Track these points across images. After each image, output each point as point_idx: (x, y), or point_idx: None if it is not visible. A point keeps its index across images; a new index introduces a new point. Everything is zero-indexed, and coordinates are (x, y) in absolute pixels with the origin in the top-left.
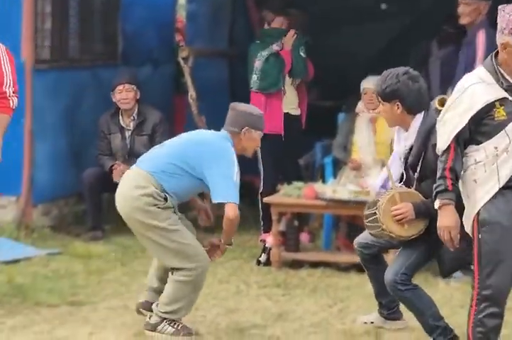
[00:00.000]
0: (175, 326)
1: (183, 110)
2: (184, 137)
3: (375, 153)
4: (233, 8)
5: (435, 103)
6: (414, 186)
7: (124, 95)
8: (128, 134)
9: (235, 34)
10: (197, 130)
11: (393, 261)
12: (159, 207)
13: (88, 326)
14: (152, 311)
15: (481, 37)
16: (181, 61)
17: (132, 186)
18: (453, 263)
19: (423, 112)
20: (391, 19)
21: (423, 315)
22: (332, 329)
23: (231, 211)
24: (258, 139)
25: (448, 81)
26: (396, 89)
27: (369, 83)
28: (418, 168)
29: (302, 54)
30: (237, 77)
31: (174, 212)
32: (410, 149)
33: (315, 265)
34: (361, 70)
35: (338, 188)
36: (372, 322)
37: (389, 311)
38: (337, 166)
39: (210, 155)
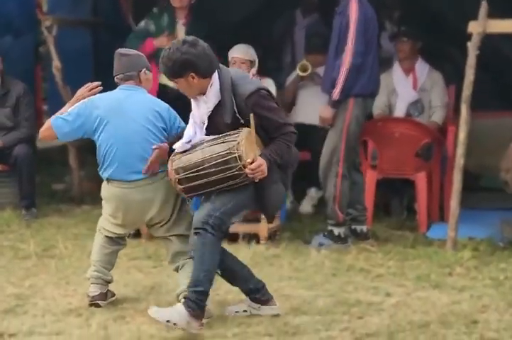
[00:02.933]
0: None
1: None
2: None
3: None
4: None
5: (297, 69)
6: None
7: None
8: None
9: (99, 3)
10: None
11: (205, 204)
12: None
13: None
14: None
15: (353, 7)
16: (45, 31)
17: None
18: (274, 208)
19: (216, 71)
20: None
21: (202, 266)
22: None
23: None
24: (151, 78)
25: None
26: (185, 61)
27: (237, 52)
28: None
29: None
30: (101, 46)
31: None
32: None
33: None
34: (226, 38)
35: None
36: (245, 311)
37: (260, 293)
38: None
39: (158, 111)
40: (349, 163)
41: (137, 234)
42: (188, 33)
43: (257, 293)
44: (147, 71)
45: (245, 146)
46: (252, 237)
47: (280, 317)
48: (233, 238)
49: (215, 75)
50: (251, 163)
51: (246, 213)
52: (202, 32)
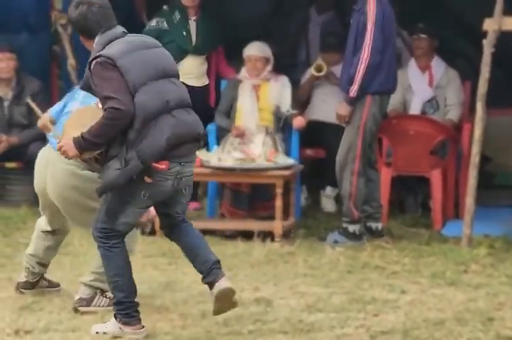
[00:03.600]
0: (108, 297)
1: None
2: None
3: (258, 119)
4: None
5: (312, 69)
6: None
7: (4, 63)
8: (6, 104)
9: (113, 1)
10: None
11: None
12: None
13: None
14: (30, 289)
15: (372, 5)
16: (60, 29)
17: None
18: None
19: (98, 35)
20: None
21: (108, 279)
22: None
23: None
24: None
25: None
26: (70, 22)
27: (252, 50)
28: None
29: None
30: None
31: None
32: None
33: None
34: (242, 35)
35: (223, 156)
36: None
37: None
38: (221, 133)
39: None
40: (365, 160)
41: (151, 232)
42: (199, 30)
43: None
44: None
45: (69, 123)
46: (267, 235)
47: (295, 314)
48: (248, 235)
49: (96, 39)
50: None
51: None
52: (213, 28)
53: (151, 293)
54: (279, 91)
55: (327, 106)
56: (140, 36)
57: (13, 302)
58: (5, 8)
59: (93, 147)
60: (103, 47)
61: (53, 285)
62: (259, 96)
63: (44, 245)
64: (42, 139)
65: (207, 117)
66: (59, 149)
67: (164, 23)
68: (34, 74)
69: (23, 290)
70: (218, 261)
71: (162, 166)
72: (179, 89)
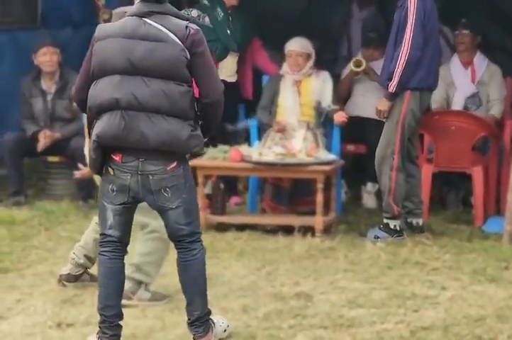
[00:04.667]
0: (151, 291)
1: None
2: None
3: (300, 115)
4: None
5: (350, 65)
6: None
7: (48, 57)
8: (49, 97)
9: None
10: None
11: None
12: None
13: (15, 293)
14: (72, 281)
15: (413, 0)
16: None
17: None
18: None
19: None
20: None
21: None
22: (262, 291)
23: None
24: None
25: None
26: None
27: (294, 45)
28: None
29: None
30: None
31: None
32: None
33: (241, 228)
34: (283, 31)
35: (264, 151)
36: None
37: None
38: (262, 128)
39: None
40: (404, 155)
41: None
42: (236, 26)
43: None
44: None
45: None
46: (308, 230)
47: (335, 310)
48: (289, 230)
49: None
50: None
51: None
52: (248, 22)
53: None
54: (320, 86)
55: (368, 102)
56: (161, 24)
57: (55, 295)
58: (50, 4)
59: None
60: (122, 18)
61: (95, 280)
62: (301, 91)
63: (94, 238)
64: (83, 134)
65: (242, 111)
66: None
67: (206, 18)
68: (77, 69)
69: (65, 283)
70: (205, 315)
71: (116, 157)
72: (145, 91)
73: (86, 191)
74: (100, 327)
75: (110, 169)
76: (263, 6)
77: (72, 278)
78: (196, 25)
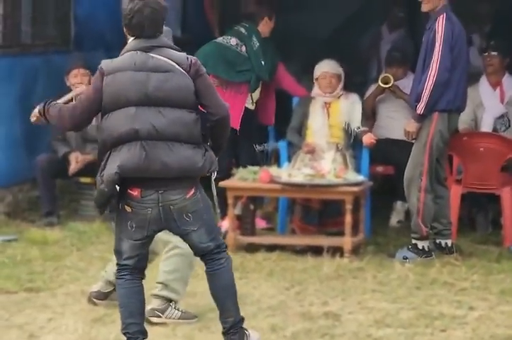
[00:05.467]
0: (180, 310)
1: None
2: None
3: (329, 136)
4: None
5: (379, 81)
6: None
7: (79, 79)
8: None
9: (187, 19)
10: None
11: None
12: None
13: (47, 312)
14: (102, 299)
15: (440, 22)
16: None
17: None
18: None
19: (132, 38)
20: (341, 3)
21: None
22: (290, 311)
23: None
24: None
25: None
26: (124, 15)
27: (327, 67)
28: None
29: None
30: None
31: None
32: None
33: (271, 248)
34: (313, 53)
35: (293, 172)
36: None
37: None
38: (292, 149)
39: None
40: (433, 176)
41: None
42: (265, 55)
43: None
44: None
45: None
46: (337, 250)
47: (363, 329)
48: (318, 251)
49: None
50: None
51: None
52: (273, 49)
53: None
54: (349, 108)
55: (395, 123)
56: (165, 56)
57: (86, 314)
58: (83, 27)
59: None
60: (123, 54)
61: None
62: (330, 113)
63: None
64: None
65: (272, 133)
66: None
67: (243, 47)
68: None
69: (95, 300)
70: (240, 321)
71: (134, 192)
72: (163, 120)
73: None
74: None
75: (127, 207)
76: (293, 29)
77: (102, 296)
78: (236, 53)
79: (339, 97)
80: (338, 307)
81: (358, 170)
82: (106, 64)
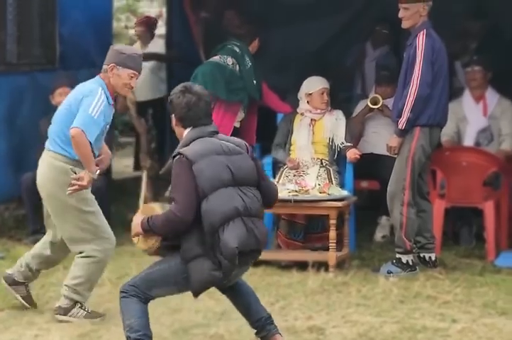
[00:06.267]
0: (86, 309)
1: None
2: None
3: (313, 152)
4: (169, 10)
5: (367, 101)
6: None
7: (64, 98)
8: None
9: (173, 36)
10: None
11: None
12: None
13: (33, 329)
14: (13, 285)
15: (421, 38)
16: None
17: (46, 170)
18: (195, 285)
19: (190, 128)
20: (326, 20)
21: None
22: None
23: (74, 132)
24: (126, 76)
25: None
26: (171, 101)
27: (322, 83)
28: None
29: None
30: (176, 79)
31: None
32: None
33: (256, 264)
34: (296, 71)
35: (278, 187)
36: None
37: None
38: (276, 166)
39: (80, 97)
40: (415, 191)
41: None
42: (255, 73)
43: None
44: (119, 67)
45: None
46: (321, 265)
47: None
48: (303, 266)
49: (187, 130)
50: None
51: (175, 291)
52: (256, 67)
53: (206, 322)
54: (333, 124)
55: (380, 138)
56: (224, 140)
57: (72, 330)
58: (68, 45)
59: (153, 233)
60: (190, 143)
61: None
62: (315, 129)
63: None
64: (104, 172)
65: (257, 149)
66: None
67: (237, 66)
68: None
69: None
70: (270, 316)
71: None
72: (247, 198)
73: None
74: None
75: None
76: (277, 46)
77: (10, 280)
78: (231, 72)
79: (323, 113)
80: (323, 321)
81: (342, 185)
82: (187, 153)
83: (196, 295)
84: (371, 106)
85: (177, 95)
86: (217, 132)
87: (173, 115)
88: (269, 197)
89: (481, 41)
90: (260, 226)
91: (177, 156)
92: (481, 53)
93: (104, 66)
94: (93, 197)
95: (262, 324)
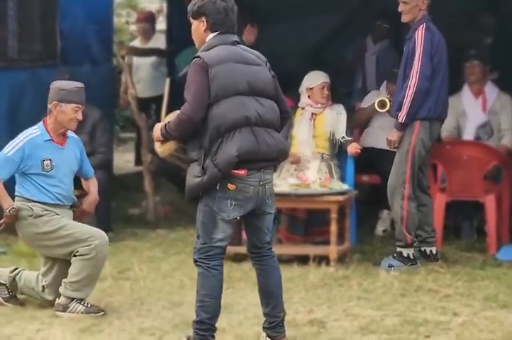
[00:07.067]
0: (85, 304)
1: None
2: None
3: (314, 146)
4: (170, 5)
5: (375, 105)
6: None
7: None
8: None
9: (172, 31)
10: None
11: None
12: (34, 217)
13: (35, 323)
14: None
15: (420, 32)
16: (121, 60)
17: None
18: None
19: (215, 33)
20: (326, 14)
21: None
22: None
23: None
24: (70, 111)
25: (384, 75)
26: (202, 5)
27: (323, 77)
28: None
29: None
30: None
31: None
32: None
33: None
34: (297, 66)
35: (279, 182)
36: None
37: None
38: None
39: None
40: (415, 185)
41: None
42: None
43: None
44: (61, 104)
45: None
46: (322, 259)
47: (348, 336)
48: (304, 260)
49: (211, 35)
50: None
51: (227, 224)
52: None
53: None
54: (334, 118)
55: (382, 133)
56: (245, 50)
57: (74, 324)
58: (69, 41)
59: (170, 137)
60: (211, 48)
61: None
62: (316, 124)
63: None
64: (101, 168)
65: None
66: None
67: None
68: (96, 105)
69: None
70: (284, 318)
71: (242, 171)
72: (262, 109)
73: (104, 224)
74: (201, 335)
75: (231, 185)
76: (277, 41)
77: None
78: None
79: (324, 108)
80: (323, 315)
81: (343, 179)
82: (207, 56)
83: (187, 199)
84: (380, 110)
85: (212, 0)
86: (239, 42)
87: (203, 19)
88: (285, 117)
89: (497, 38)
90: (275, 135)
91: (195, 59)
92: (496, 49)
93: (48, 106)
94: (49, 213)
95: (276, 323)
